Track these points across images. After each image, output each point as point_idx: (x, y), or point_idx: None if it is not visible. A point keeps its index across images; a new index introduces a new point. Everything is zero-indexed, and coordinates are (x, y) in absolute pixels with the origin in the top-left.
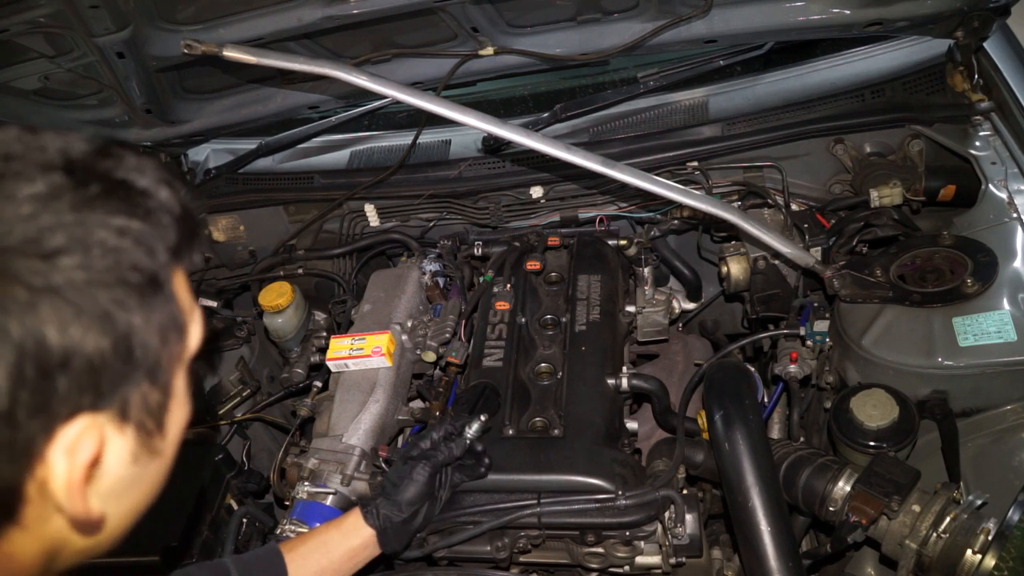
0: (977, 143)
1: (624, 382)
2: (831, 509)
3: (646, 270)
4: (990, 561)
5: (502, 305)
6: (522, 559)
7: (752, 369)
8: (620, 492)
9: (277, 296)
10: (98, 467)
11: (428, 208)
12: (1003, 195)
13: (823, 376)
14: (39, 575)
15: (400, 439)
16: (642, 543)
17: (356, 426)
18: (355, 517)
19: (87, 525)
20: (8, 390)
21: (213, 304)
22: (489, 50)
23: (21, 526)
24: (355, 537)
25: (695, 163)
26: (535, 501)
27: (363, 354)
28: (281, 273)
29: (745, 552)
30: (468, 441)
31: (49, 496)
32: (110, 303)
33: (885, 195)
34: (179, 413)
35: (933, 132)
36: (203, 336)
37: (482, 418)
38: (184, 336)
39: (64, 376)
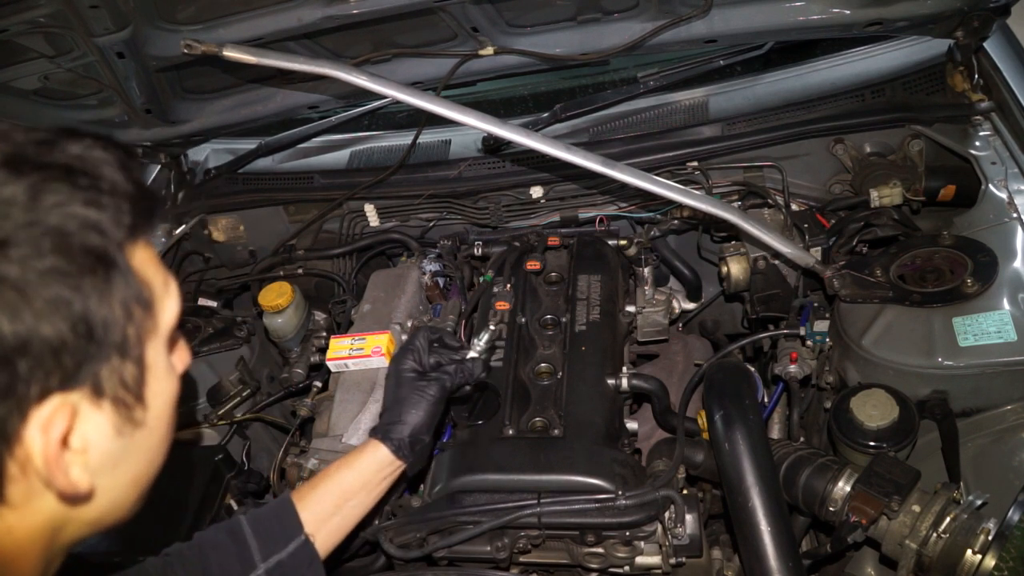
0: (977, 143)
1: (624, 382)
2: (831, 509)
3: (646, 270)
4: (990, 561)
5: (502, 305)
6: (522, 559)
7: (752, 369)
8: (620, 492)
9: (277, 296)
10: (79, 442)
11: (428, 208)
12: (1003, 195)
13: (823, 376)
14: (44, 550)
15: None
16: (642, 543)
17: (356, 426)
18: (364, 447)
19: (75, 497)
20: None
21: (213, 304)
22: (489, 50)
23: (10, 505)
24: (369, 464)
25: (695, 163)
26: (535, 501)
27: (363, 354)
28: (281, 273)
29: (745, 552)
30: (481, 357)
31: (32, 474)
32: (62, 287)
33: (885, 195)
34: (161, 384)
35: (933, 132)
36: (180, 307)
37: (491, 327)
38: (152, 309)
39: (24, 361)
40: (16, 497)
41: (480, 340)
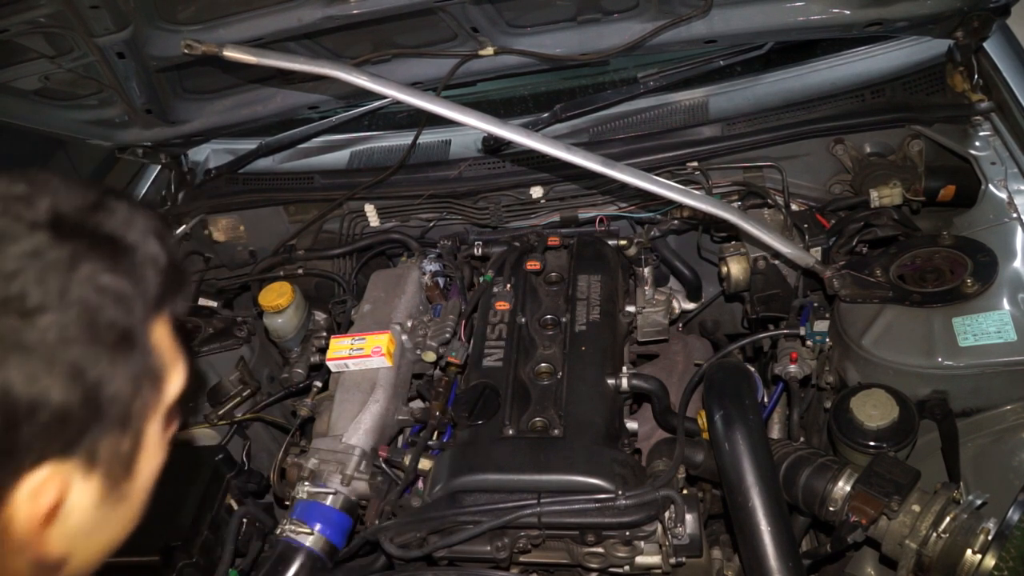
0: (977, 143)
1: (624, 382)
2: (831, 509)
3: (646, 270)
4: (990, 561)
5: (502, 305)
6: (522, 559)
7: (752, 369)
8: (620, 492)
9: (277, 296)
10: (62, 510)
11: (428, 208)
12: (1003, 195)
13: (823, 376)
14: None
15: (400, 439)
16: (642, 543)
17: (356, 426)
18: None
19: (46, 567)
20: None
21: (213, 304)
22: (489, 50)
23: None
24: None
25: (695, 163)
26: (535, 501)
27: (363, 354)
28: (281, 273)
29: (745, 552)
30: None
31: (10, 537)
32: (82, 358)
33: (885, 195)
34: (150, 459)
35: (933, 132)
36: (185, 381)
37: None
38: (160, 385)
39: (30, 426)
40: None
41: None
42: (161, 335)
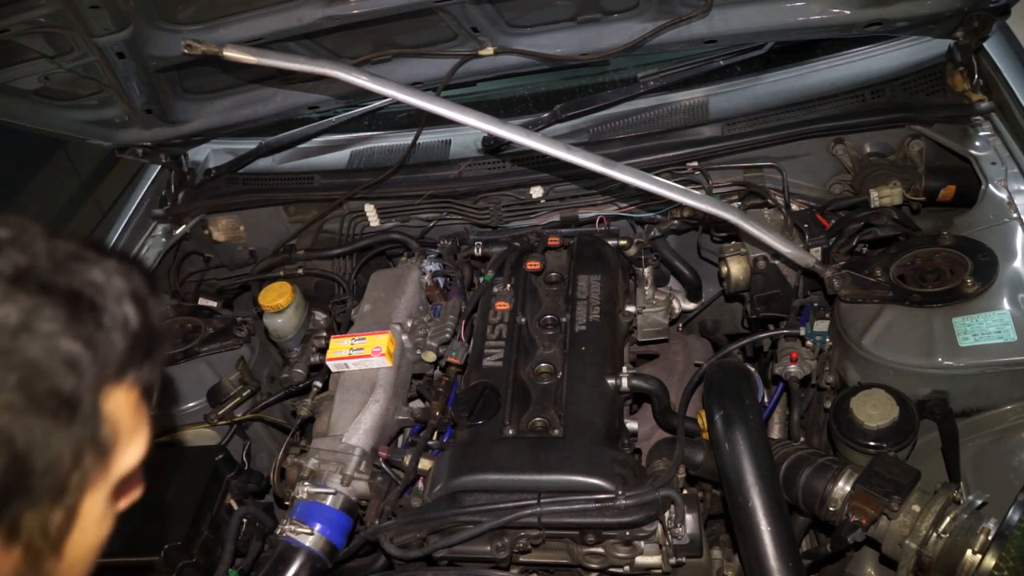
0: (977, 143)
1: (624, 382)
2: (831, 509)
3: (646, 270)
4: (990, 561)
5: (502, 305)
6: (522, 559)
7: (752, 369)
8: (620, 492)
9: (277, 296)
10: None
11: (428, 208)
12: (1003, 195)
13: (823, 376)
14: None
15: (400, 439)
16: (642, 543)
17: (356, 426)
18: None
19: None
20: None
21: (213, 304)
22: (489, 50)
23: None
24: None
25: (695, 163)
26: (535, 501)
27: (363, 354)
28: (281, 273)
29: (745, 552)
30: None
31: None
32: (12, 424)
33: (885, 195)
34: (85, 536)
35: (933, 132)
36: (144, 452)
37: None
38: (107, 457)
39: None
40: None
41: None
42: (120, 403)
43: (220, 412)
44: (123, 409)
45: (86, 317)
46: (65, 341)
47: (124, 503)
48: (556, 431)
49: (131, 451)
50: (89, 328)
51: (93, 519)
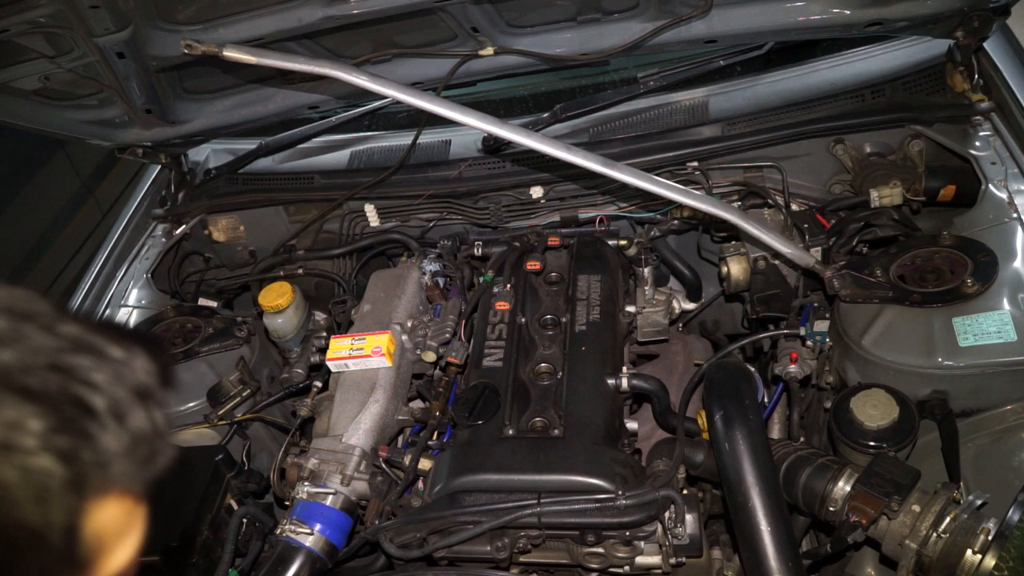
0: (977, 143)
1: (624, 382)
2: (831, 509)
3: (646, 270)
4: (990, 561)
5: (502, 305)
6: (522, 559)
7: (752, 369)
8: (620, 492)
9: (277, 296)
10: None
11: (428, 208)
12: (1003, 195)
13: (823, 376)
14: None
15: (400, 439)
16: (642, 543)
17: (356, 426)
18: None
19: None
20: None
21: (213, 304)
22: (489, 50)
23: None
24: None
25: (695, 163)
26: (535, 501)
27: (363, 354)
28: (281, 273)
29: (745, 552)
30: None
31: None
32: None
33: (885, 195)
34: None
35: (933, 132)
36: (134, 551)
37: None
38: (84, 571)
39: None
40: None
41: None
42: (109, 514)
43: (220, 412)
44: (111, 519)
45: (76, 426)
46: (47, 460)
47: None
48: (556, 431)
49: (119, 555)
50: (76, 441)
51: None
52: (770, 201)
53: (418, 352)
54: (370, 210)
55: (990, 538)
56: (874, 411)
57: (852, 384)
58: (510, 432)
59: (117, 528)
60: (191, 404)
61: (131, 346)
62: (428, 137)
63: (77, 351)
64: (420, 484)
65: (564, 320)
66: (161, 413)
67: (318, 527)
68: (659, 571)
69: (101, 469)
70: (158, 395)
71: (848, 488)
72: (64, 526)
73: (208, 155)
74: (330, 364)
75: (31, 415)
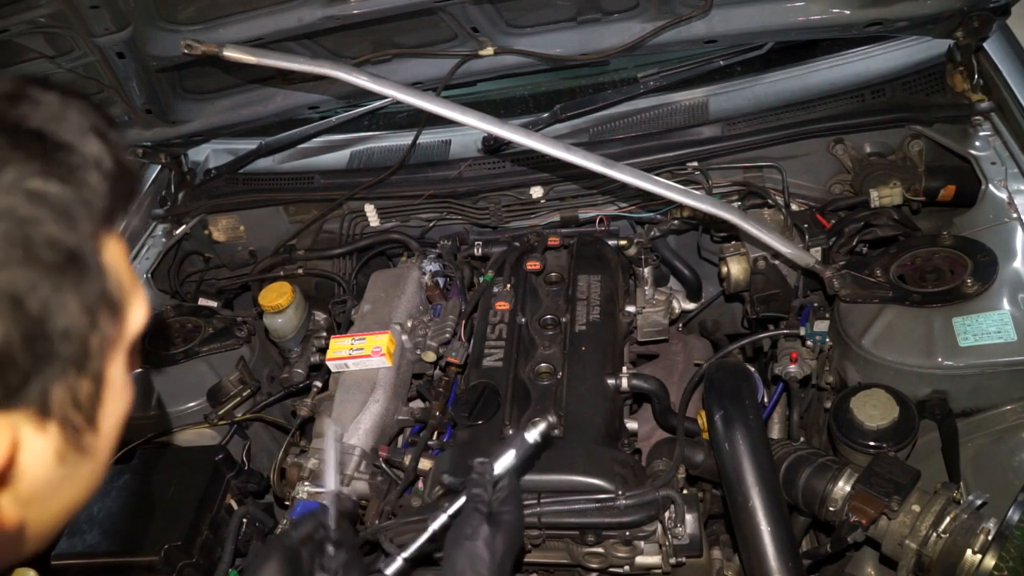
0: (977, 143)
1: (624, 382)
2: (831, 509)
3: (646, 270)
4: (990, 561)
5: (502, 305)
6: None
7: (752, 369)
8: (620, 492)
9: (277, 296)
10: (13, 471)
11: (428, 208)
12: (1003, 195)
13: (823, 376)
14: None
15: (400, 439)
16: (642, 543)
17: (356, 426)
18: None
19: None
20: None
21: (213, 304)
22: (489, 50)
23: None
24: None
25: (695, 163)
26: (535, 501)
27: (363, 354)
28: (281, 273)
29: (745, 552)
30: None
31: None
32: (17, 286)
33: (885, 195)
34: (115, 405)
35: (933, 132)
36: (147, 311)
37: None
38: (120, 315)
39: None
40: None
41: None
42: (115, 255)
43: (220, 412)
44: (119, 261)
45: (59, 157)
46: (46, 184)
47: (131, 373)
48: (556, 431)
49: (137, 309)
50: (64, 168)
51: (119, 387)
52: (770, 201)
53: (418, 352)
54: (370, 210)
55: (990, 538)
56: (874, 411)
57: (852, 384)
58: (510, 432)
59: (127, 274)
60: (191, 404)
61: (63, 91)
62: (428, 137)
63: (20, 96)
64: (420, 484)
65: (564, 320)
66: (122, 148)
67: None
68: (659, 571)
69: (97, 198)
70: (110, 130)
71: (848, 488)
72: (92, 250)
73: (208, 155)
74: (330, 364)
75: (7, 147)
